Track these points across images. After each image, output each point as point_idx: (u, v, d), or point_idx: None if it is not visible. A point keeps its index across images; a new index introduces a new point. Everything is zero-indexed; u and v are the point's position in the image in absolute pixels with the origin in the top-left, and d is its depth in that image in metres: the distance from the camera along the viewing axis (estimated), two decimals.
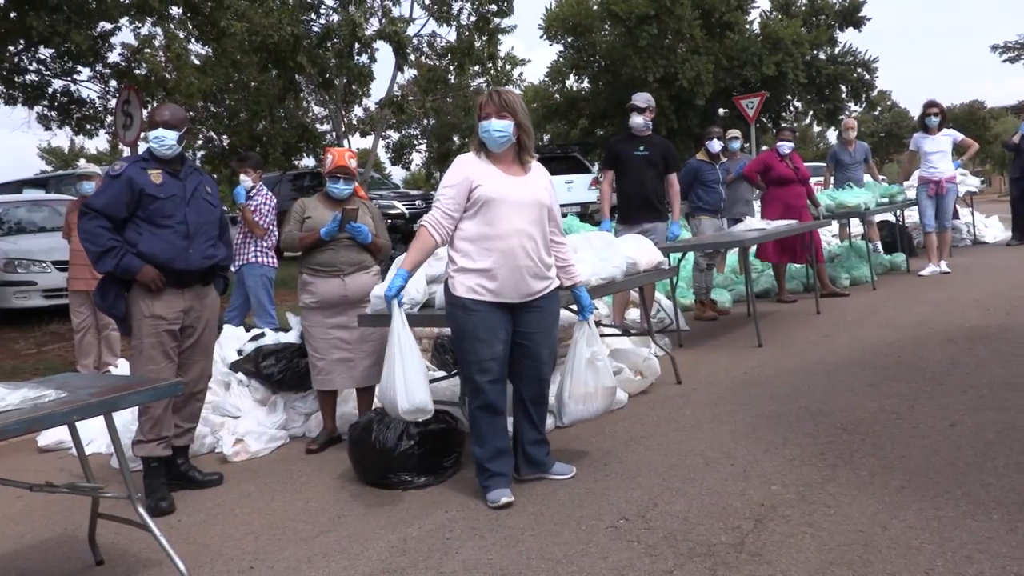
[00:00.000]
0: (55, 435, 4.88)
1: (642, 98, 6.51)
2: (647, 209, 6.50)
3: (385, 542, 3.14)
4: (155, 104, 10.02)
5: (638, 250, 5.02)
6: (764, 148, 13.69)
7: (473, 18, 12.01)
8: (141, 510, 2.76)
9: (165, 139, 3.77)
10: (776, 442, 3.90)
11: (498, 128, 3.40)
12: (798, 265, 8.90)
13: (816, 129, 43.90)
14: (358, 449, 3.86)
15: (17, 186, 14.92)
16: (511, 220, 3.38)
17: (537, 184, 3.53)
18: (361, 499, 3.67)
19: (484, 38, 12.18)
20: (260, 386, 4.95)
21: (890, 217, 10.34)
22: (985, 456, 3.47)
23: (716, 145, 7.80)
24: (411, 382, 3.34)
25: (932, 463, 3.45)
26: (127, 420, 4.28)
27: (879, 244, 10.37)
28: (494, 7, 11.96)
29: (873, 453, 3.63)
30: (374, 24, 10.93)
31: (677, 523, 3.06)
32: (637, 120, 6.43)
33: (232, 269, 6.97)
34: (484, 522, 3.25)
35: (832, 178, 9.98)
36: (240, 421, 4.73)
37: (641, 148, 6.48)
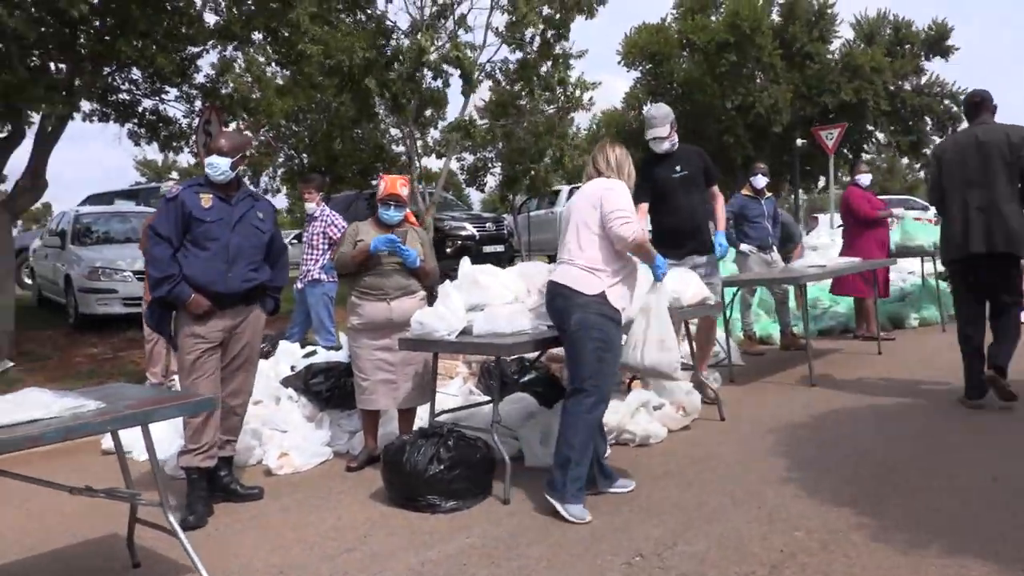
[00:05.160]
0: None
1: (659, 118, 5.56)
2: (694, 238, 5.62)
3: (404, 564, 3.22)
4: (237, 123, 10.47)
5: (683, 284, 4.98)
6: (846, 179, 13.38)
7: (538, 42, 12.11)
8: (171, 518, 2.91)
9: (219, 166, 3.97)
10: (809, 486, 3.83)
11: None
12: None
13: (904, 161, 42.47)
14: (390, 470, 3.96)
15: (110, 197, 15.76)
16: None
17: None
18: (389, 520, 3.76)
19: (550, 64, 12.25)
20: (308, 403, 5.13)
21: None
22: (1020, 515, 3.34)
23: (761, 181, 7.70)
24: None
25: (964, 519, 3.34)
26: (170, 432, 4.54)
27: None
28: (551, 32, 12.02)
29: (905, 504, 3.54)
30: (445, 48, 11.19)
31: (692, 565, 3.05)
32: (663, 146, 5.56)
33: (298, 286, 7.23)
34: (502, 551, 3.30)
35: None
36: (287, 435, 4.90)
37: (677, 168, 5.58)
